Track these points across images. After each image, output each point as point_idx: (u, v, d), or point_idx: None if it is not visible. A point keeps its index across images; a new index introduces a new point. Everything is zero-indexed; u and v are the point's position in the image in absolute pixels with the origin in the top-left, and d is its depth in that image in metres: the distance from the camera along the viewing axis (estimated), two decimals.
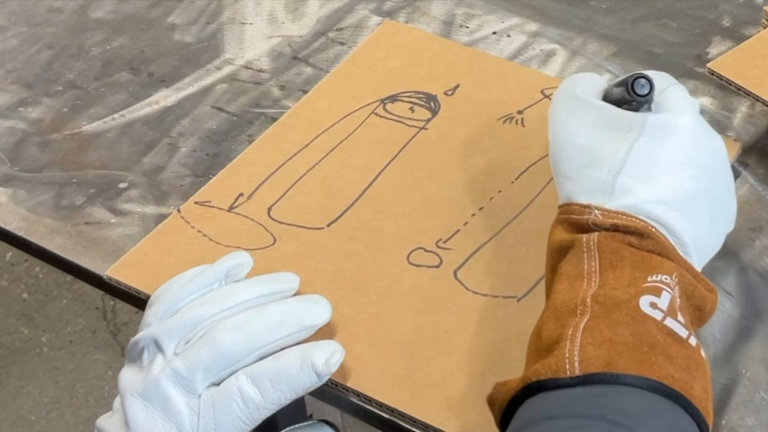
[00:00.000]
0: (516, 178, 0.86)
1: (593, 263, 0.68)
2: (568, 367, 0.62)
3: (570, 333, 0.64)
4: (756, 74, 0.88)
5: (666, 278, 0.67)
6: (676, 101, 0.73)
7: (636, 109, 0.73)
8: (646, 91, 0.72)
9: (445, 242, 0.82)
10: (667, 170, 0.70)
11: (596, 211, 0.70)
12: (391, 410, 0.73)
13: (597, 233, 0.69)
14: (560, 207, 0.73)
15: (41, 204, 0.90)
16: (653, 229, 0.69)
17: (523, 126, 0.90)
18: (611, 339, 0.63)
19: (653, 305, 0.65)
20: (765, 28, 0.94)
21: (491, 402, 0.66)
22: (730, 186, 0.75)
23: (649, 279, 0.67)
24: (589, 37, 1.01)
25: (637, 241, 0.68)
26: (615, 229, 0.69)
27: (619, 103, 0.73)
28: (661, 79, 0.74)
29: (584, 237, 0.69)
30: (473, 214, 0.84)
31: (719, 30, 1.01)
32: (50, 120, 0.97)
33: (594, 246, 0.68)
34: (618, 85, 0.74)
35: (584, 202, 0.71)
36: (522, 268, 0.80)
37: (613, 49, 1.00)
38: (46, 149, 0.94)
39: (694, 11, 1.04)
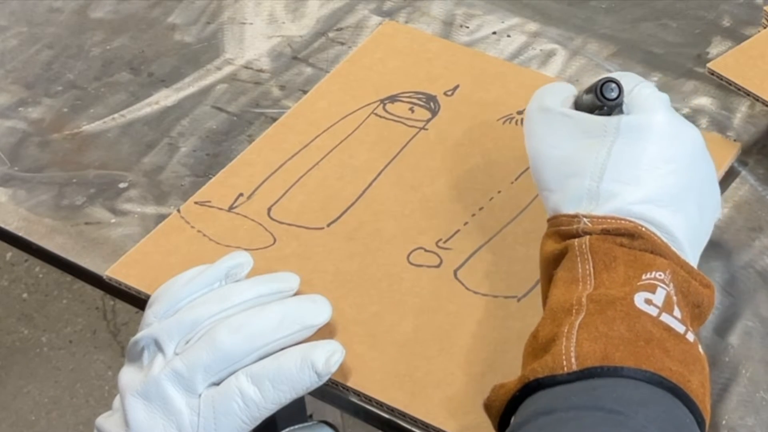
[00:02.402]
0: (516, 179, 0.87)
1: (587, 266, 0.68)
2: (564, 363, 0.63)
3: (566, 331, 0.64)
4: (756, 74, 0.88)
5: (660, 275, 0.67)
6: (646, 99, 0.73)
7: (608, 113, 0.73)
8: (615, 94, 0.72)
9: (445, 242, 0.82)
10: (649, 169, 0.71)
11: (585, 219, 0.70)
12: (391, 410, 0.73)
13: (589, 236, 0.69)
14: (548, 221, 0.73)
15: (41, 204, 0.90)
16: (643, 229, 0.69)
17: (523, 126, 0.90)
18: (607, 334, 0.64)
19: (648, 302, 0.65)
20: (765, 28, 0.94)
21: (489, 405, 0.67)
22: (712, 173, 0.75)
23: (644, 277, 0.67)
24: (589, 37, 1.02)
25: (629, 241, 0.68)
26: (605, 233, 0.69)
27: (591, 109, 0.74)
28: (627, 79, 0.75)
29: (576, 241, 0.69)
30: (473, 215, 0.84)
31: (719, 30, 1.01)
32: (50, 120, 0.97)
33: (587, 249, 0.68)
34: (587, 91, 0.74)
35: (571, 212, 0.71)
36: (522, 268, 0.80)
37: (613, 49, 1.00)
38: (46, 149, 0.94)
39: (694, 11, 1.04)
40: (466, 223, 0.84)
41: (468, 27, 1.03)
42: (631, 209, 0.69)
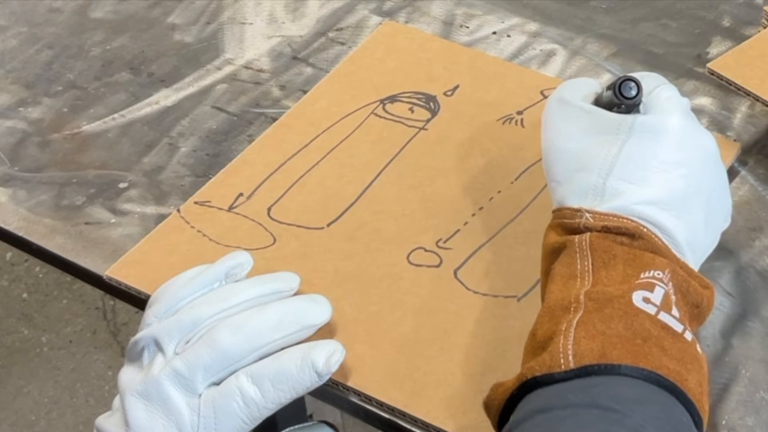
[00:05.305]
0: (515, 179, 0.87)
1: (586, 262, 0.68)
2: (562, 361, 0.63)
3: (563, 329, 0.64)
4: (756, 74, 0.88)
5: (659, 274, 0.67)
6: (665, 101, 0.73)
7: (626, 112, 0.73)
8: (633, 93, 0.72)
9: (445, 242, 0.82)
10: (657, 171, 0.71)
11: (587, 215, 0.70)
12: (392, 409, 0.73)
13: (589, 233, 0.69)
14: (553, 212, 0.73)
15: (41, 204, 0.90)
16: (644, 229, 0.69)
17: (523, 126, 0.90)
18: (604, 332, 0.64)
19: (646, 300, 0.65)
20: (765, 28, 0.94)
21: (488, 404, 0.67)
22: (724, 183, 0.75)
23: (642, 275, 0.67)
24: (589, 37, 1.02)
25: (629, 241, 0.68)
26: (606, 230, 0.69)
27: (610, 106, 0.74)
28: (649, 80, 0.75)
29: (576, 237, 0.69)
30: (473, 214, 0.84)
31: (719, 30, 1.01)
32: (50, 120, 0.97)
33: (586, 246, 0.69)
34: (608, 89, 0.74)
35: (575, 206, 0.71)
36: (522, 267, 0.80)
37: (613, 49, 1.00)
38: (46, 149, 0.94)
39: (694, 11, 1.04)
40: (466, 223, 0.84)
41: (468, 27, 1.03)
42: (635, 209, 0.69)
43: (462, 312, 0.78)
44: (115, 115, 0.97)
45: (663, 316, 0.65)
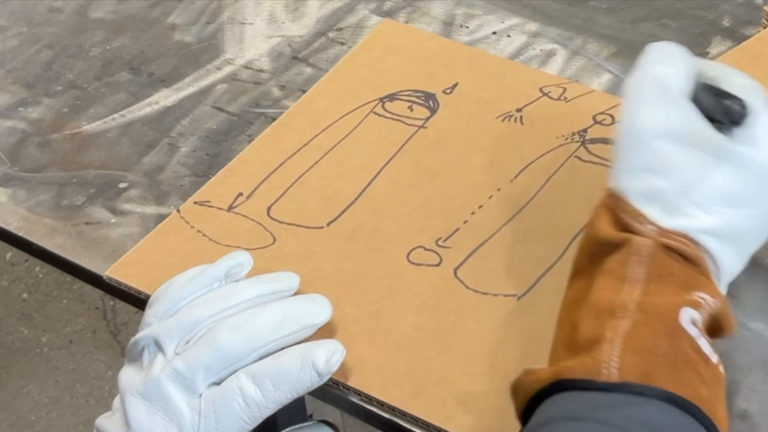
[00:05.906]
0: (515, 176, 0.87)
1: (640, 270, 0.67)
2: (604, 371, 0.62)
3: (609, 336, 0.63)
4: (756, 74, 0.88)
5: (707, 297, 0.66)
6: (764, 133, 0.69)
7: (723, 124, 0.70)
8: (741, 119, 0.69)
9: (444, 241, 0.82)
10: (734, 205, 0.68)
11: (650, 226, 0.68)
12: (392, 409, 0.73)
13: (651, 241, 0.67)
14: (608, 192, 0.70)
15: (41, 204, 0.90)
16: (703, 257, 0.68)
17: (522, 124, 0.90)
18: (651, 350, 0.63)
19: (693, 322, 0.65)
20: (765, 28, 0.94)
21: (516, 388, 0.66)
22: None
23: (693, 294, 0.66)
24: (589, 37, 1.02)
25: (684, 261, 0.67)
26: (666, 247, 0.67)
27: (707, 111, 0.70)
28: (757, 100, 0.70)
29: (638, 240, 0.67)
30: (473, 213, 0.84)
31: (719, 30, 1.01)
32: (50, 120, 0.97)
33: (646, 253, 0.67)
34: (711, 92, 0.70)
35: (639, 208, 0.69)
36: (522, 266, 0.80)
37: (613, 49, 1.00)
38: (46, 149, 0.94)
39: (694, 11, 1.04)
40: (465, 222, 0.84)
41: (468, 27, 1.03)
42: (699, 237, 0.68)
43: (462, 311, 0.78)
44: (115, 115, 0.97)
45: (701, 342, 0.65)
